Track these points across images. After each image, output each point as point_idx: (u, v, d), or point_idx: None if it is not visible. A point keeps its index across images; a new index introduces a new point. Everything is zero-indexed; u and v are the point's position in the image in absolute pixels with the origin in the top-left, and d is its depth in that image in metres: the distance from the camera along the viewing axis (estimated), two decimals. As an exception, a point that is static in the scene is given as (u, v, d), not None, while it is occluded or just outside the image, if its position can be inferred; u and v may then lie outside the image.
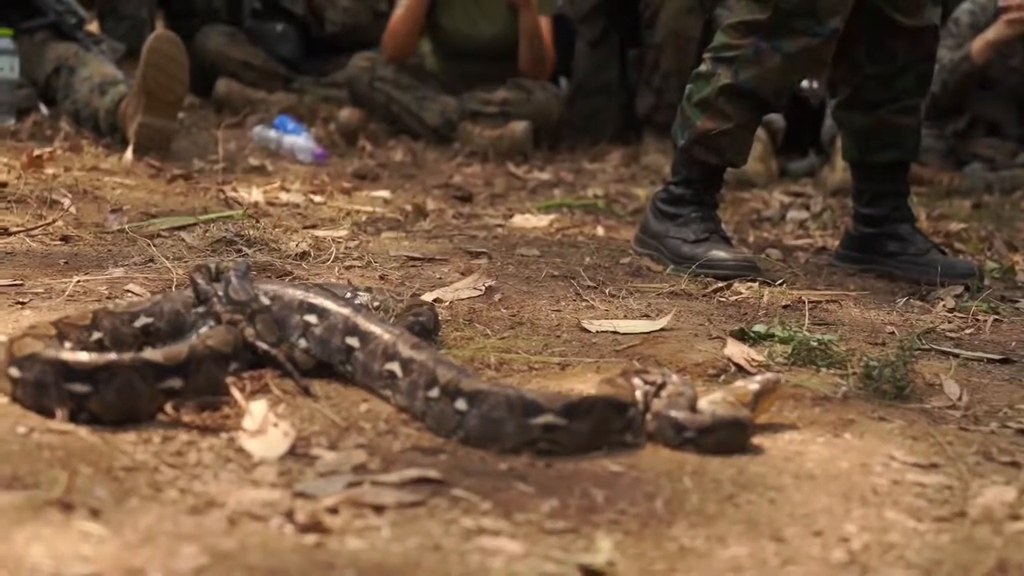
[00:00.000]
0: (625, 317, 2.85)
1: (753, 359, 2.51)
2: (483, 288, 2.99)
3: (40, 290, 2.69)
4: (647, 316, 2.86)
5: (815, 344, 2.54)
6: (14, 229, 3.30)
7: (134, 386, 1.92)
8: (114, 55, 5.25)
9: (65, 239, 3.27)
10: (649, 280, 3.31)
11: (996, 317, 3.10)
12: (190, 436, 1.88)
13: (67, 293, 2.66)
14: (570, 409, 1.94)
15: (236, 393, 2.02)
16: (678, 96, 6.06)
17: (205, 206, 3.85)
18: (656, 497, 1.78)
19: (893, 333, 2.86)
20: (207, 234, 3.39)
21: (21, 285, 2.73)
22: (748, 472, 1.90)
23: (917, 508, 1.80)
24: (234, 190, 4.20)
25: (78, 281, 2.77)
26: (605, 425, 1.98)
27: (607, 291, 3.12)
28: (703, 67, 3.47)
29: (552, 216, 4.33)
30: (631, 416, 2.02)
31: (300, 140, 5.29)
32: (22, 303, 2.57)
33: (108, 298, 2.65)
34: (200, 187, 4.23)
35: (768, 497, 1.80)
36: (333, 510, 1.63)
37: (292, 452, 1.85)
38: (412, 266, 3.27)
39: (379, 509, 1.65)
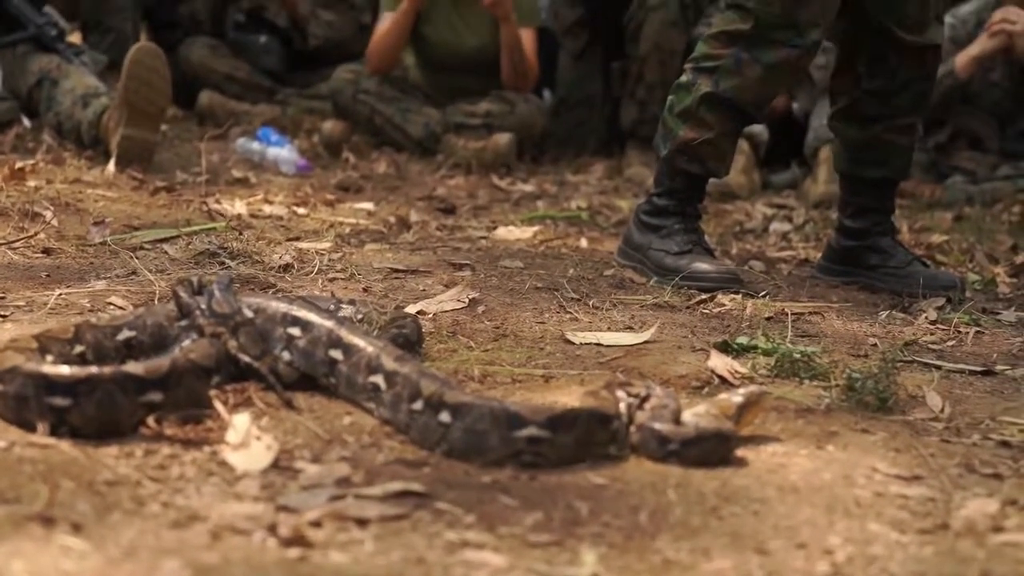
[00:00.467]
0: (609, 329, 2.85)
1: (736, 371, 2.52)
2: (467, 300, 2.99)
3: (22, 303, 2.68)
4: (631, 328, 2.86)
5: (798, 356, 2.55)
6: (-4, 241, 3.29)
7: (115, 399, 1.91)
8: (96, 67, 5.24)
9: (47, 252, 3.26)
10: (633, 292, 3.31)
11: (978, 329, 3.10)
12: (172, 450, 1.87)
13: (49, 306, 2.66)
14: (554, 422, 1.94)
15: (219, 406, 2.01)
16: (662, 109, 6.12)
17: (188, 218, 3.84)
18: (640, 510, 1.78)
19: (876, 345, 2.86)
20: (190, 246, 3.38)
21: (3, 298, 2.72)
22: (732, 485, 1.90)
23: (900, 520, 1.80)
24: (217, 202, 4.19)
25: (60, 294, 2.76)
26: (589, 437, 1.98)
27: (591, 303, 3.12)
28: (684, 77, 3.48)
29: (536, 228, 4.33)
30: (615, 428, 2.02)
31: (283, 152, 5.29)
32: (3, 316, 2.56)
33: (90, 311, 2.64)
34: (183, 199, 4.22)
35: (752, 509, 1.81)
36: (316, 524, 1.63)
37: (275, 465, 1.84)
38: (395, 278, 3.27)
39: (362, 522, 1.65)
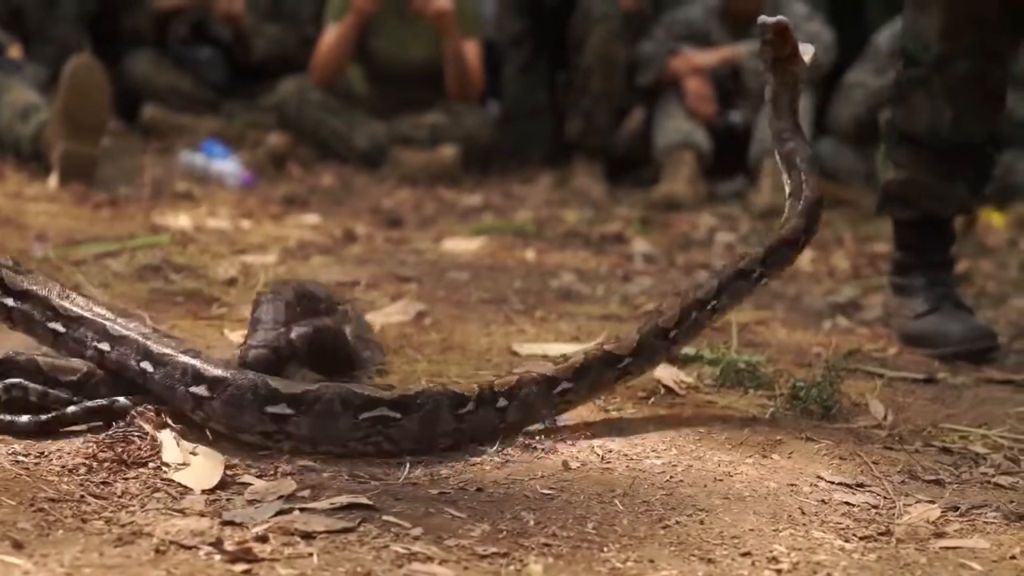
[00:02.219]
0: (556, 340, 2.85)
1: (682, 381, 2.53)
2: (413, 313, 2.99)
3: (-38, 319, 2.64)
4: (577, 339, 2.87)
5: (743, 366, 2.57)
6: (-65, 257, 3.24)
7: None
8: (37, 80, 5.19)
9: (-12, 267, 3.22)
10: (579, 303, 3.32)
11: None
12: (115, 466, 1.85)
13: (-10, 322, 2.62)
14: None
15: (145, 425, 1.98)
16: (607, 120, 6.18)
17: (132, 232, 3.81)
18: (587, 520, 1.78)
19: (820, 354, 2.89)
20: (133, 261, 3.35)
21: (-58, 314, 2.68)
22: (678, 494, 1.91)
23: (844, 528, 1.82)
24: (161, 216, 4.16)
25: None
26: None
27: (537, 315, 3.13)
28: (882, 121, 3.22)
29: (482, 240, 4.34)
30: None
31: (228, 165, 5.26)
32: (-57, 332, 2.52)
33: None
34: (126, 213, 4.18)
35: (698, 519, 1.81)
36: (262, 538, 1.62)
37: (220, 481, 1.83)
38: (342, 291, 3.26)
39: (309, 536, 1.64)
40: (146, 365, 2.03)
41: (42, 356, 2.09)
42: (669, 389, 2.49)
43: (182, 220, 4.12)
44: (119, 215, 4.15)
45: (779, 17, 2.32)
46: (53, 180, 4.46)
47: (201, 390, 1.97)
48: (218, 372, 1.98)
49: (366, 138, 5.94)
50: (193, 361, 2.01)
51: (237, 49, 6.43)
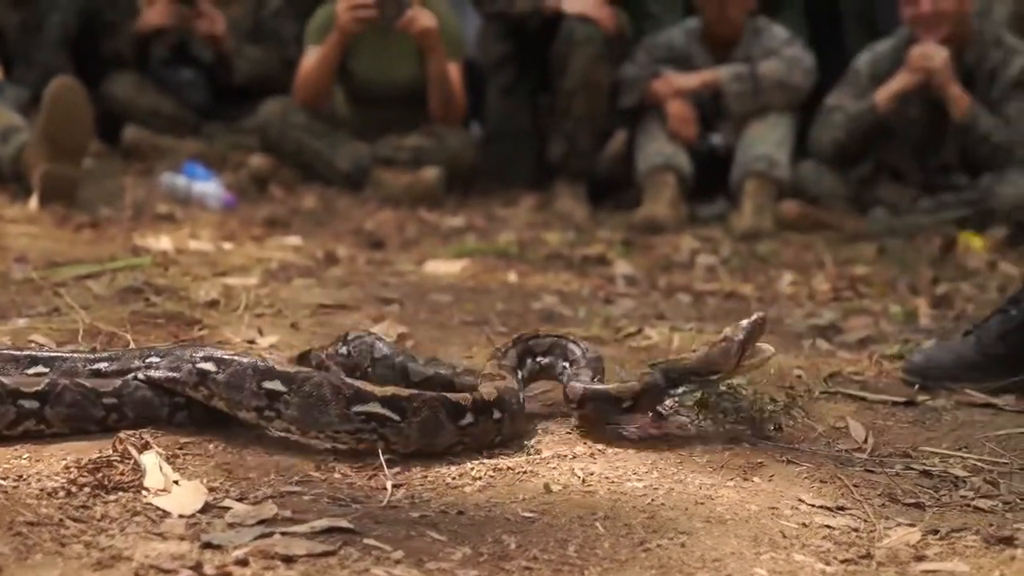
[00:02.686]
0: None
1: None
2: (395, 335, 2.98)
3: (-59, 341, 2.63)
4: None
5: (724, 388, 2.56)
6: (-86, 279, 3.23)
7: None
8: (18, 102, 5.18)
9: (-32, 288, 3.21)
10: (561, 325, 3.32)
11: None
12: (95, 490, 1.85)
13: (-31, 344, 2.61)
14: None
15: (131, 449, 1.98)
16: (589, 142, 6.19)
17: (113, 254, 3.80)
18: (568, 543, 1.78)
19: (800, 376, 2.90)
20: (114, 283, 3.35)
21: (-79, 336, 2.67)
22: (659, 517, 1.91)
23: (825, 551, 1.82)
24: (142, 238, 4.15)
25: (-19, 331, 2.72)
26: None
27: (519, 337, 3.12)
28: None
29: (464, 262, 4.34)
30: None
31: (210, 187, 5.25)
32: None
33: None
34: (108, 235, 4.18)
35: (679, 542, 1.82)
36: (243, 562, 1.61)
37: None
38: (324, 313, 3.26)
39: (289, 560, 1.63)
40: None
41: None
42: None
43: (163, 242, 4.12)
44: (100, 237, 4.14)
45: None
46: (33, 201, 4.44)
47: None
48: None
49: (348, 160, 5.94)
50: None
51: (219, 70, 6.42)
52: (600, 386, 2.33)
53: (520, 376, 2.42)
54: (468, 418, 2.14)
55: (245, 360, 2.14)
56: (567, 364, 2.44)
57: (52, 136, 4.44)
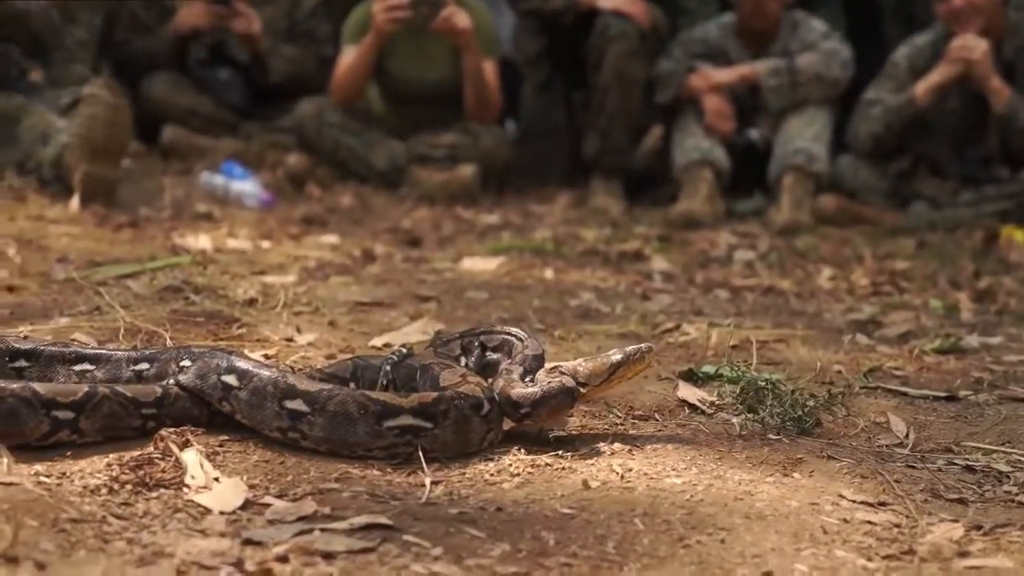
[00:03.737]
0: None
1: (704, 399, 2.53)
2: (432, 332, 2.99)
3: (-16, 341, 2.65)
4: (597, 358, 2.86)
5: (763, 383, 2.55)
6: (-43, 279, 3.26)
7: None
8: (57, 104, 5.22)
9: (11, 289, 3.23)
10: (598, 322, 3.32)
11: (942, 355, 3.13)
12: (136, 487, 1.86)
13: (11, 343, 2.63)
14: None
15: (173, 447, 1.99)
16: (625, 138, 6.18)
17: (152, 254, 3.83)
18: (607, 539, 1.78)
19: (840, 372, 2.88)
20: (154, 282, 3.37)
21: (-36, 336, 2.69)
22: (699, 513, 1.91)
23: (866, 547, 1.81)
24: (181, 237, 4.17)
25: (23, 331, 2.74)
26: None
27: (556, 333, 3.12)
28: None
29: (501, 259, 4.34)
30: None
31: (247, 186, 5.28)
32: (-35, 354, 2.53)
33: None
34: (147, 235, 4.20)
35: (719, 538, 1.81)
36: (283, 558, 1.62)
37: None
38: (361, 311, 3.27)
39: (329, 556, 1.64)
40: None
41: None
42: (694, 408, 2.48)
43: (202, 241, 4.14)
44: (140, 237, 4.17)
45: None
46: (74, 202, 4.48)
47: None
48: None
49: (384, 158, 5.95)
50: None
51: (255, 70, 6.46)
52: (499, 391, 2.22)
53: (467, 365, 2.44)
54: (486, 407, 2.14)
55: (266, 374, 2.09)
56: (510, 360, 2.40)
57: (91, 137, 4.48)
